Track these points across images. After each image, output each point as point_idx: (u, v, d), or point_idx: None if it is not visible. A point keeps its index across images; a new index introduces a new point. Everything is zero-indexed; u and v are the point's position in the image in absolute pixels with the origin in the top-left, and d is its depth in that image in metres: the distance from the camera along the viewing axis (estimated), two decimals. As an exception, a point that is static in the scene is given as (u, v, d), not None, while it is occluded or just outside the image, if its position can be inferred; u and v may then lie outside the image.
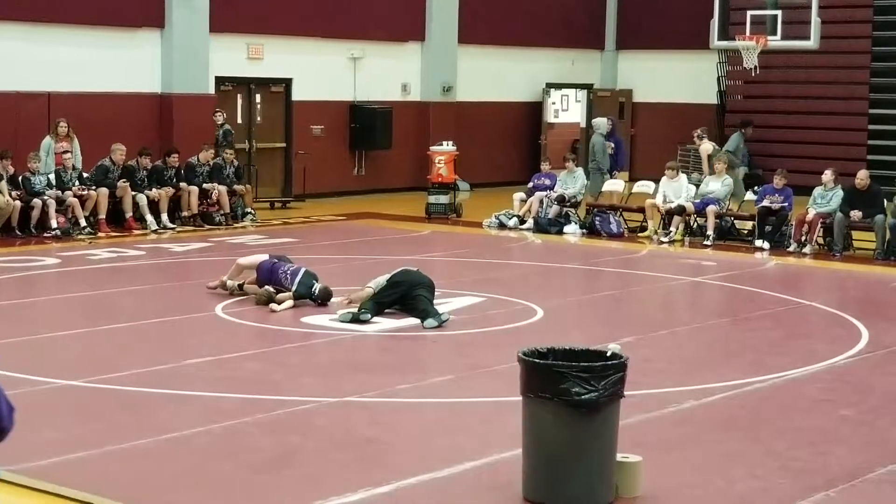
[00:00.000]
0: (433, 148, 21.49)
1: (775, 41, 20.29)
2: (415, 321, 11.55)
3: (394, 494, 6.83)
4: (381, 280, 11.94)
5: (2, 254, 15.83)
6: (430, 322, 11.33)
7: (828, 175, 17.63)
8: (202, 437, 7.89)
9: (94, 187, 18.08)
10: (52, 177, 18.02)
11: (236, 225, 19.32)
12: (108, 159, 18.51)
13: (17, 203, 17.34)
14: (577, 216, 19.56)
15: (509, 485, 6.85)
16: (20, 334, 10.99)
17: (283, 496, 6.83)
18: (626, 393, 6.66)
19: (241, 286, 12.77)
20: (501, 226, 19.74)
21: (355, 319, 11.42)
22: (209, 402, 8.81)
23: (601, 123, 21.65)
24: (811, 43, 20.15)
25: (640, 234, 19.00)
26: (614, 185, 20.62)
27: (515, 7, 26.72)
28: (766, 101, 26.18)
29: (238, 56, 22.19)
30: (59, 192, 17.82)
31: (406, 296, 11.75)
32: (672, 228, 18.44)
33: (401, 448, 7.81)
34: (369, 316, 11.45)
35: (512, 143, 27.01)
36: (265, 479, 7.08)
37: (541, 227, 19.36)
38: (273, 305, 12.13)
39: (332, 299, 12.30)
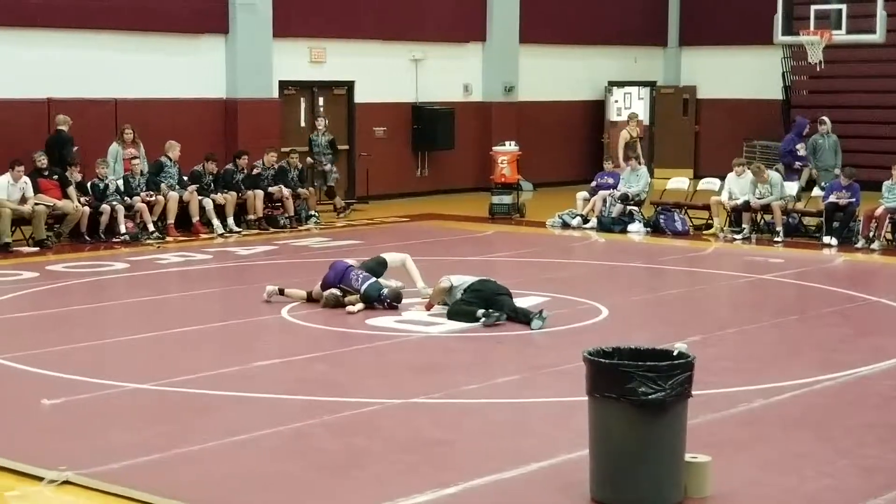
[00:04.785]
0: (496, 148, 21.48)
1: (840, 35, 20.03)
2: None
3: (460, 495, 6.83)
4: (458, 280, 11.93)
5: (72, 259, 16.05)
6: (537, 323, 11.36)
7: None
8: (270, 438, 7.95)
9: (166, 191, 18.24)
10: (120, 182, 18.24)
11: (300, 228, 19.44)
12: (163, 157, 18.71)
13: (86, 209, 17.58)
14: (641, 214, 19.46)
15: (576, 485, 6.83)
16: (90, 338, 11.13)
17: (351, 497, 6.86)
18: (693, 392, 6.62)
19: (281, 291, 12.80)
20: (565, 225, 19.68)
21: (488, 322, 11.38)
22: (276, 404, 8.87)
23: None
24: (877, 37, 19.85)
25: (705, 232, 18.87)
26: (678, 182, 20.49)
27: (577, 5, 26.64)
28: (832, 95, 25.87)
29: (301, 60, 22.32)
30: (128, 197, 18.03)
31: (488, 303, 11.76)
32: (745, 226, 18.30)
33: (467, 449, 7.81)
34: (496, 314, 11.45)
35: (574, 142, 26.93)
36: (333, 480, 7.12)
37: (604, 225, 19.29)
38: (349, 307, 12.15)
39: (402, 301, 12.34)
